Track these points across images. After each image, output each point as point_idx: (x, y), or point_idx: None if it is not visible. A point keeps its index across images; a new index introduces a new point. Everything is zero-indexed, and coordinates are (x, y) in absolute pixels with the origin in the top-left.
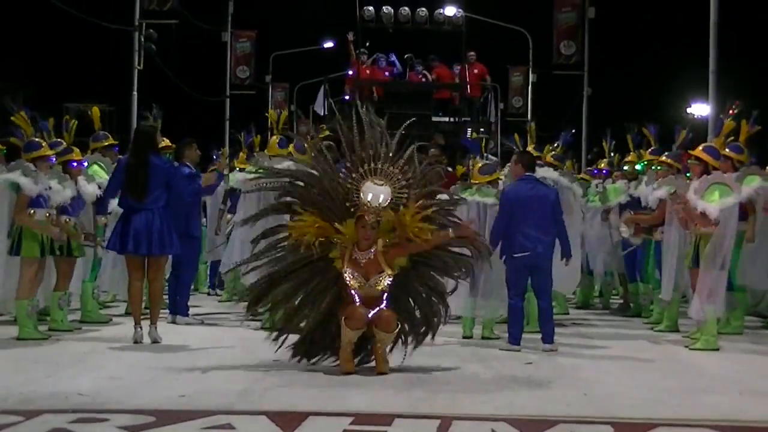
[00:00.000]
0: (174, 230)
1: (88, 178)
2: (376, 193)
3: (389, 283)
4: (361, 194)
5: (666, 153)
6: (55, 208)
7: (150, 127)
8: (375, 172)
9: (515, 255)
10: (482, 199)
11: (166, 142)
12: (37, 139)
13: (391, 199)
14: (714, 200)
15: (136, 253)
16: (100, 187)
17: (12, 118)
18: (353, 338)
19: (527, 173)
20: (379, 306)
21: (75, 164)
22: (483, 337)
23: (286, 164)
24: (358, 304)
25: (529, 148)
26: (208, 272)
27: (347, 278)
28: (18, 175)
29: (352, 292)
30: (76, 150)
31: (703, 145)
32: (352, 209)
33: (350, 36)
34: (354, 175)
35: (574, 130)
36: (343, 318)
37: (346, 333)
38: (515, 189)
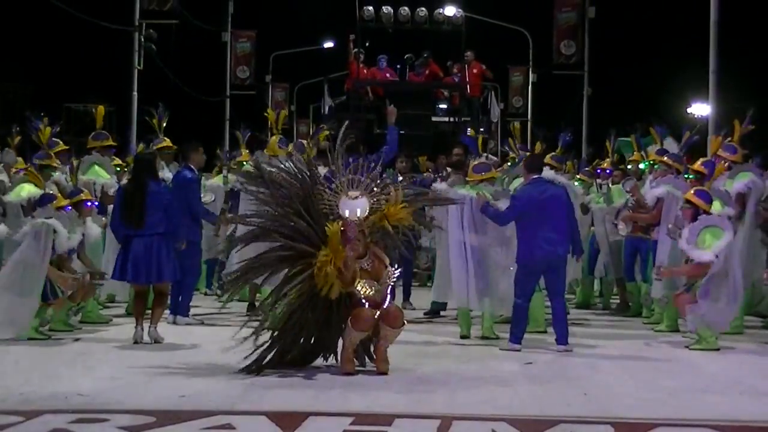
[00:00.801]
0: (174, 257)
1: (95, 219)
2: (352, 209)
3: (399, 273)
4: (339, 210)
5: (667, 154)
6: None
7: (149, 154)
8: (349, 184)
9: (528, 257)
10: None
11: (166, 142)
12: (50, 192)
13: (369, 208)
14: (708, 245)
15: (136, 282)
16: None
17: (25, 173)
18: (357, 340)
19: (535, 176)
20: (383, 302)
21: (89, 204)
22: (482, 337)
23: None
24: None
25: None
26: (206, 272)
27: (363, 290)
28: (59, 224)
29: (363, 300)
30: (86, 191)
31: (694, 188)
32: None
33: (352, 37)
34: (327, 194)
35: (571, 134)
36: (349, 319)
37: (351, 335)
38: (526, 193)
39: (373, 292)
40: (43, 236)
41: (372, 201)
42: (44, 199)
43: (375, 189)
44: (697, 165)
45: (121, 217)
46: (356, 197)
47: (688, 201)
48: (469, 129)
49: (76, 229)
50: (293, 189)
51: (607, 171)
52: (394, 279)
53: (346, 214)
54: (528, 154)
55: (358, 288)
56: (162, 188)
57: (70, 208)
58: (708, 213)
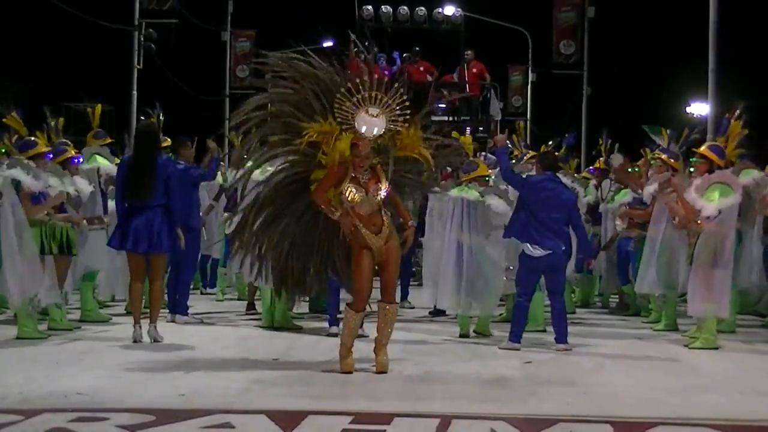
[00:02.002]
0: (174, 228)
1: (82, 174)
2: (370, 125)
3: (385, 194)
4: (356, 124)
5: (665, 151)
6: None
7: (151, 124)
8: (369, 100)
9: (532, 254)
10: (465, 195)
11: (167, 141)
12: (33, 138)
13: (386, 128)
14: (714, 199)
15: (136, 251)
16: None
17: (5, 120)
18: (357, 324)
19: (547, 173)
20: (379, 223)
21: (76, 161)
22: (475, 332)
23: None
24: (363, 231)
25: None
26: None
27: (348, 193)
28: (18, 171)
29: (356, 221)
30: (71, 147)
31: (708, 143)
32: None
33: (354, 37)
34: (347, 104)
35: (574, 133)
36: (346, 305)
37: (347, 318)
38: (535, 181)
39: (359, 199)
40: (4, 191)
41: (390, 121)
42: (25, 145)
43: (395, 109)
44: (704, 149)
45: (126, 189)
46: (375, 115)
47: (702, 155)
48: (468, 130)
49: (65, 181)
50: (324, 75)
51: (599, 170)
52: (382, 196)
53: (363, 129)
54: (542, 152)
55: (345, 193)
56: (164, 160)
57: (51, 156)
58: (722, 168)
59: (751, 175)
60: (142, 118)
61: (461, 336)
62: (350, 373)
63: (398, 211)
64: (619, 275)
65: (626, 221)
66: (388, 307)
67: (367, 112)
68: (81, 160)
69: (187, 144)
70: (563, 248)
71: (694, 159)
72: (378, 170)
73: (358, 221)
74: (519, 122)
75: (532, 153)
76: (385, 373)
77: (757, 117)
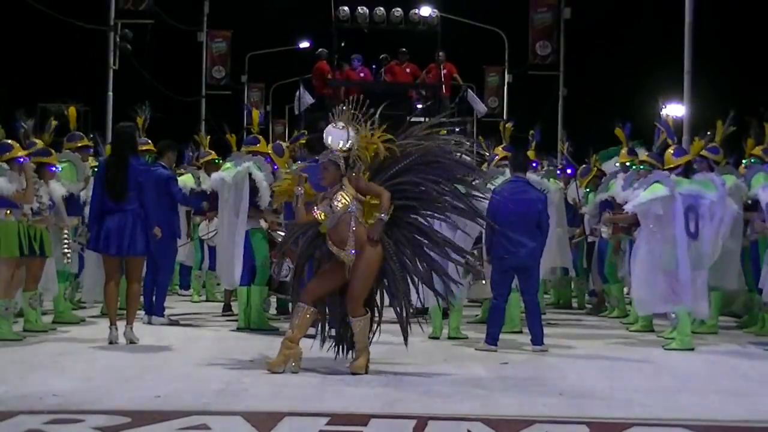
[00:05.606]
0: (148, 230)
1: (61, 181)
2: (335, 137)
3: (346, 202)
4: (324, 138)
5: (648, 153)
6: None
7: (129, 126)
8: (338, 114)
9: (499, 257)
10: None
11: (149, 145)
12: (9, 141)
13: (354, 143)
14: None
15: (112, 254)
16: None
17: None
18: (305, 320)
19: (517, 174)
20: (344, 234)
21: (53, 169)
22: (450, 337)
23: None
24: (330, 247)
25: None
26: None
27: (319, 214)
28: None
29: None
30: (54, 154)
31: (648, 153)
32: None
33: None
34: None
35: (539, 128)
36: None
37: (296, 308)
38: (501, 192)
39: (324, 216)
40: None
41: (357, 136)
42: (0, 149)
43: (362, 126)
44: (644, 156)
45: (103, 190)
46: (342, 127)
47: (642, 162)
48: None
49: (39, 188)
50: None
51: (564, 170)
52: (346, 204)
53: (329, 141)
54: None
55: (317, 213)
56: (139, 164)
57: (23, 160)
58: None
59: (729, 181)
60: (131, 115)
61: (431, 338)
62: (275, 373)
63: (380, 203)
64: (600, 275)
65: (611, 227)
66: (351, 320)
67: (333, 125)
68: (59, 169)
69: (173, 148)
70: (534, 250)
71: (643, 167)
72: (346, 184)
73: (328, 238)
74: (507, 124)
75: (502, 154)
76: (361, 374)
77: (733, 118)
